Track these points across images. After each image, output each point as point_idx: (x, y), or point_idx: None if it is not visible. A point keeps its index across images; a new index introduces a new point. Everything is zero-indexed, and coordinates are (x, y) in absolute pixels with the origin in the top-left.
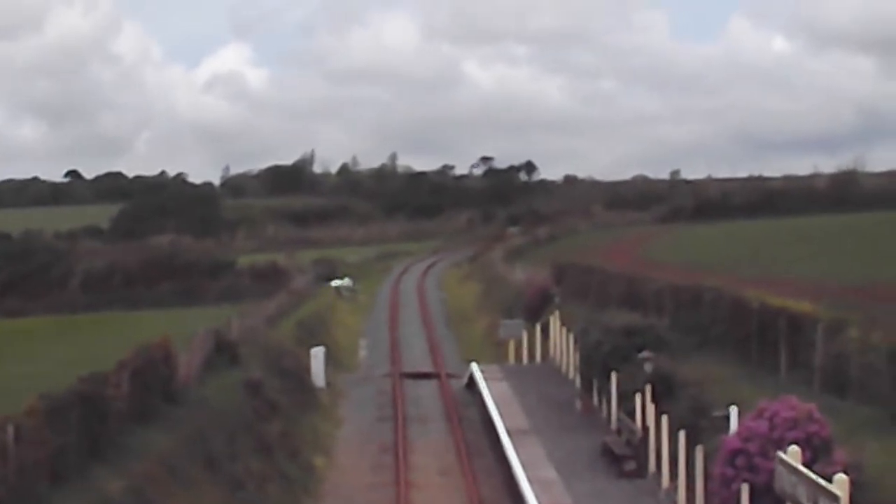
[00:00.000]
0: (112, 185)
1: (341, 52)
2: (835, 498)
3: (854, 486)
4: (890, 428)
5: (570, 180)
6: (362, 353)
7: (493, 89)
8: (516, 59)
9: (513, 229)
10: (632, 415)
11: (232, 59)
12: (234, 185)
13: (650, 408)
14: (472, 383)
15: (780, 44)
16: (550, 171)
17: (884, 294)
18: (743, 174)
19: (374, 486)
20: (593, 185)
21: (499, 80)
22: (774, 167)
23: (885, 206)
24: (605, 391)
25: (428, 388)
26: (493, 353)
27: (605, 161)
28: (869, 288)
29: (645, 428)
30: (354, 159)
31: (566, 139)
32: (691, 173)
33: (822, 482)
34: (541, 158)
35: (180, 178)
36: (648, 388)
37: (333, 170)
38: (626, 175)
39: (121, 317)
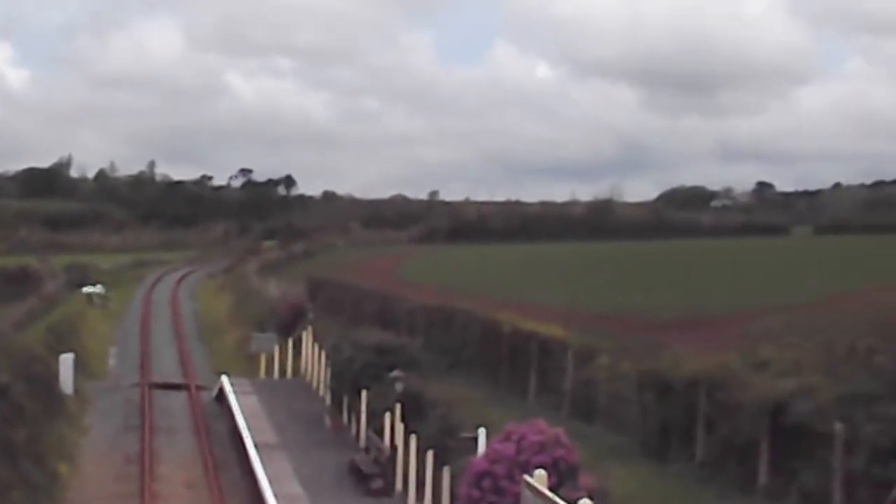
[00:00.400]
0: None
1: (103, 57)
2: None
3: None
4: (636, 455)
5: (328, 196)
6: (112, 361)
7: (255, 102)
8: (280, 73)
9: (269, 243)
10: (380, 433)
11: None
12: None
13: (399, 427)
14: (221, 396)
15: (543, 71)
16: (310, 187)
17: (634, 323)
18: (501, 198)
19: (118, 496)
20: (352, 203)
21: (262, 93)
22: (532, 193)
23: (638, 235)
24: (354, 409)
25: (177, 400)
26: (245, 366)
27: (365, 179)
28: (620, 316)
29: (393, 447)
30: (112, 165)
31: (327, 155)
32: (450, 195)
33: None
34: (300, 173)
35: None
36: (398, 407)
37: (90, 175)
38: (386, 194)
39: None
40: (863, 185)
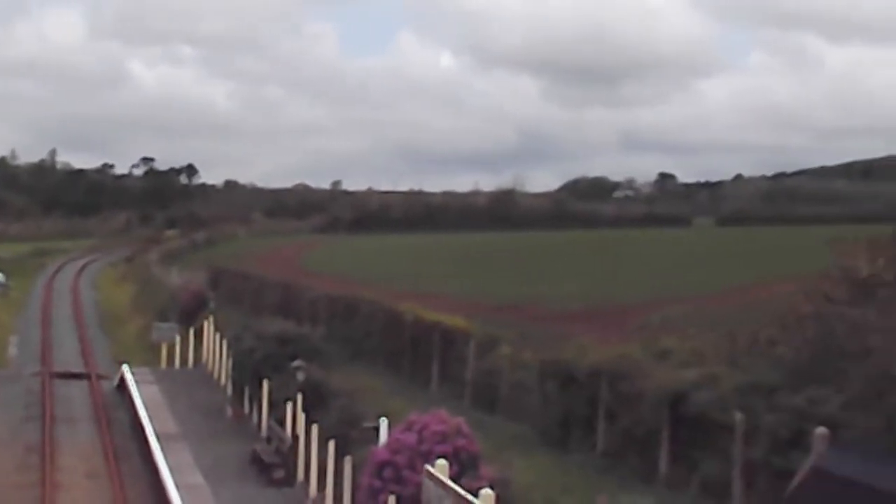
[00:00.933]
0: None
1: (4, 44)
2: None
3: (500, 501)
4: (538, 445)
5: (231, 185)
6: (12, 350)
7: (158, 90)
8: (183, 62)
9: (171, 232)
10: (282, 423)
11: None
12: None
13: (301, 417)
14: (122, 385)
15: (447, 61)
16: (212, 176)
17: (536, 313)
18: (404, 188)
19: (19, 487)
20: (254, 192)
21: (164, 81)
22: (435, 183)
23: (540, 226)
24: (256, 398)
25: (78, 389)
26: (146, 355)
27: (268, 168)
28: (522, 306)
29: (295, 436)
30: (13, 153)
31: (229, 144)
32: (353, 185)
33: (469, 496)
34: (203, 162)
35: None
36: (300, 397)
37: None
38: (288, 183)
39: None
40: (764, 177)
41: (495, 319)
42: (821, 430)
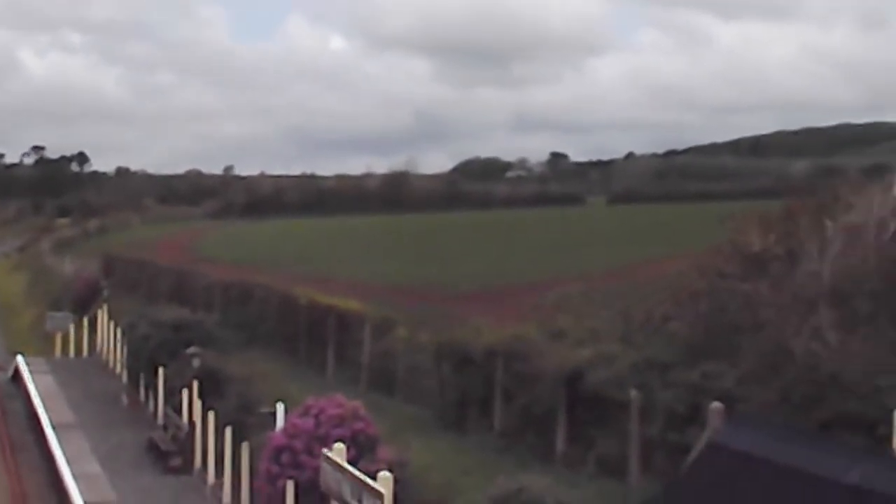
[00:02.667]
0: None
1: None
2: (379, 495)
3: (398, 483)
4: (435, 427)
5: (122, 173)
6: None
7: (47, 78)
8: (73, 48)
9: (63, 220)
10: (178, 410)
11: None
12: None
13: (197, 404)
14: (17, 376)
15: (337, 43)
16: (104, 163)
17: (431, 295)
18: (296, 172)
19: None
20: (146, 179)
21: (54, 69)
22: (328, 166)
23: (434, 207)
24: (151, 386)
25: None
26: (41, 345)
27: (159, 154)
28: (417, 289)
29: (191, 424)
30: None
31: (121, 131)
32: (245, 169)
33: (367, 479)
34: (94, 150)
35: None
36: (195, 384)
37: None
38: (180, 169)
39: None
40: (655, 155)
41: (390, 302)
42: (716, 405)
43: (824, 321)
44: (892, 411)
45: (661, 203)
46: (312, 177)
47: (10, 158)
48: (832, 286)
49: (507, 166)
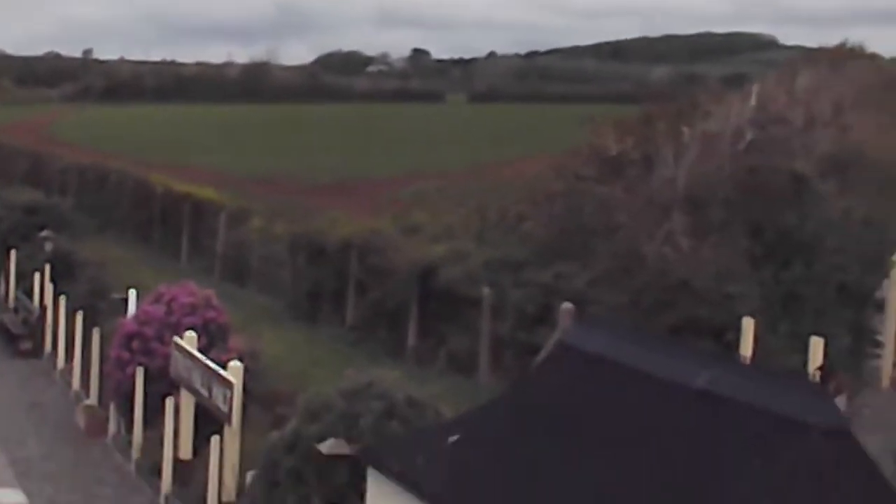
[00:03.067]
0: None
1: None
2: (229, 384)
3: (248, 373)
4: (287, 318)
5: None
6: None
7: None
8: None
9: None
10: (30, 294)
11: None
12: None
13: (49, 288)
14: None
15: None
16: None
17: (288, 186)
18: (156, 58)
19: None
20: (3, 59)
21: None
22: (188, 53)
23: (293, 99)
24: (3, 269)
25: None
26: None
27: (17, 35)
28: (274, 179)
29: (43, 308)
30: None
31: None
32: (104, 53)
33: (217, 368)
34: None
35: None
36: (48, 268)
37: None
38: (39, 51)
39: None
40: (517, 55)
41: (247, 192)
42: (567, 306)
43: (677, 227)
44: (740, 317)
45: (521, 103)
46: (172, 63)
47: None
48: (686, 193)
49: (369, 61)
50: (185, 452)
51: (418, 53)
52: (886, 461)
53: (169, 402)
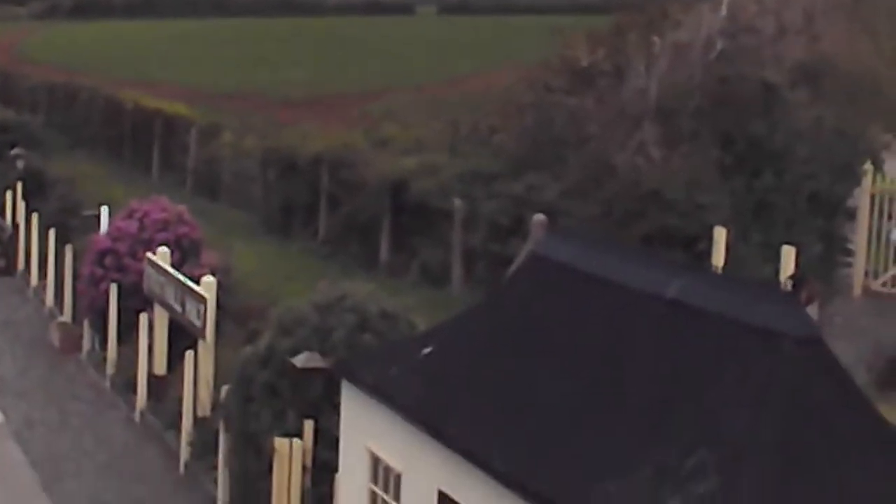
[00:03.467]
0: None
1: None
2: (202, 299)
3: (221, 288)
4: (260, 232)
5: None
6: None
7: None
8: None
9: None
10: (2, 212)
11: None
12: None
13: (20, 205)
14: None
15: None
16: None
17: (257, 100)
18: None
19: None
20: None
21: None
22: None
23: (263, 12)
24: None
25: None
26: None
27: None
28: (243, 94)
29: (15, 225)
30: None
31: None
32: None
33: (190, 284)
34: None
35: None
36: (19, 185)
37: None
38: None
39: None
40: None
41: (217, 107)
42: (538, 217)
43: (648, 137)
44: (711, 227)
45: (491, 15)
46: None
47: None
48: (657, 103)
49: None
50: (160, 368)
51: None
52: (858, 369)
53: (143, 318)
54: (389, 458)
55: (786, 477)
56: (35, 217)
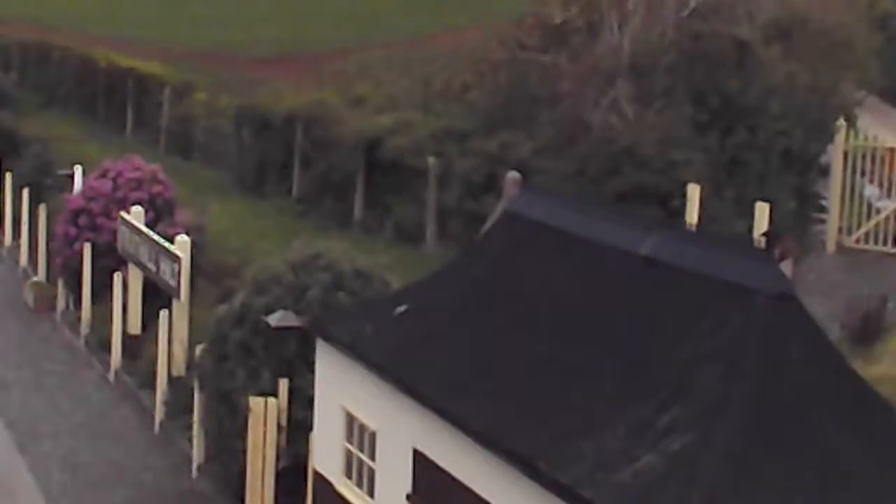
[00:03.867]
0: None
1: None
2: (176, 258)
3: (195, 247)
4: (234, 191)
5: None
6: None
7: None
8: None
9: None
10: None
11: None
12: None
13: None
14: None
15: None
16: None
17: (230, 59)
18: None
19: None
20: None
21: None
22: None
23: None
24: None
25: None
26: None
27: None
28: (216, 52)
29: None
30: None
31: None
32: None
33: (164, 243)
34: None
35: None
36: None
37: None
38: None
39: None
40: None
41: (191, 66)
42: (512, 175)
43: (622, 95)
44: (685, 184)
45: None
46: None
47: None
48: (631, 60)
49: None
50: (134, 327)
51: None
52: (832, 325)
53: (117, 278)
54: (364, 416)
55: (759, 432)
56: (8, 177)
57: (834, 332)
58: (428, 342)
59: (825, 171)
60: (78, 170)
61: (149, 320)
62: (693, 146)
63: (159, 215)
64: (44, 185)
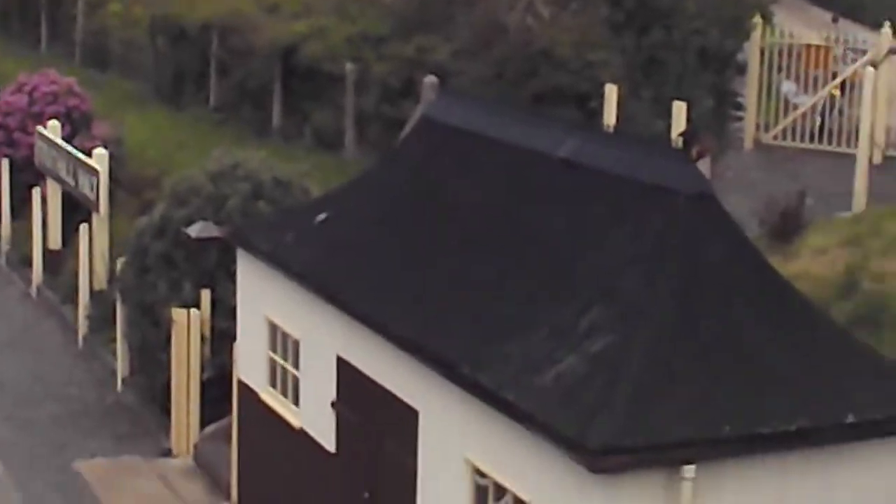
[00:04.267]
0: None
1: None
2: (95, 172)
3: (114, 159)
4: (151, 102)
5: None
6: None
7: None
8: None
9: None
10: None
11: None
12: None
13: None
14: None
15: None
16: None
17: None
18: None
19: None
20: None
21: None
22: None
23: None
24: None
25: None
26: None
27: None
28: None
29: None
30: None
31: None
32: None
33: (82, 156)
34: None
35: None
36: None
37: None
38: None
39: None
40: None
41: None
42: (430, 79)
43: None
44: (603, 85)
45: None
46: None
47: None
48: None
49: None
50: (55, 242)
51: None
52: (751, 223)
53: (35, 193)
54: (287, 325)
55: (680, 332)
56: None
57: (753, 230)
58: (349, 250)
59: (742, 69)
60: None
61: (69, 235)
62: (609, 47)
63: (76, 129)
64: None
